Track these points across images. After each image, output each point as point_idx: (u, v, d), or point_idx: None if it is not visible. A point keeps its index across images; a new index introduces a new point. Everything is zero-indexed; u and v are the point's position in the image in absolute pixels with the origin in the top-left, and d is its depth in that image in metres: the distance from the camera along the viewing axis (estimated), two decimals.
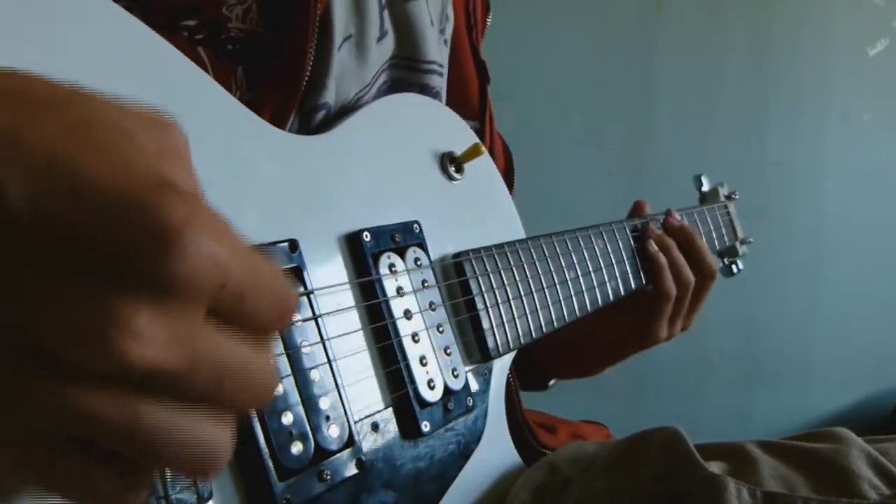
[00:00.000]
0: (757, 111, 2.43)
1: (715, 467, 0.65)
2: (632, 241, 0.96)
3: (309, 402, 0.54)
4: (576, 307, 0.84)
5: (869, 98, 2.59)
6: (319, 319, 0.57)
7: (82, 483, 0.29)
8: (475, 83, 0.93)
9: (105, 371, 0.26)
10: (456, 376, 0.68)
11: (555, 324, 0.80)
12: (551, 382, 1.09)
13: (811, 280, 2.57)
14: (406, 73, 0.78)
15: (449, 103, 0.85)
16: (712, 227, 1.17)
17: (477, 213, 0.78)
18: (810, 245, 2.56)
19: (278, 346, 0.53)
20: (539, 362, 1.07)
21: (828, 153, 2.55)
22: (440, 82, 0.81)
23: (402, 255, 0.66)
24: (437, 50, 0.80)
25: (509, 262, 0.76)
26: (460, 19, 0.91)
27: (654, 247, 0.96)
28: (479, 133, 0.92)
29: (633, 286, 0.94)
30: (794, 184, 2.51)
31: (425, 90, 0.79)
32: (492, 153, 0.95)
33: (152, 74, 0.51)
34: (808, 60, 2.48)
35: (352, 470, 0.56)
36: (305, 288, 0.56)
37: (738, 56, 2.38)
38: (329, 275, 0.60)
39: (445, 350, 0.68)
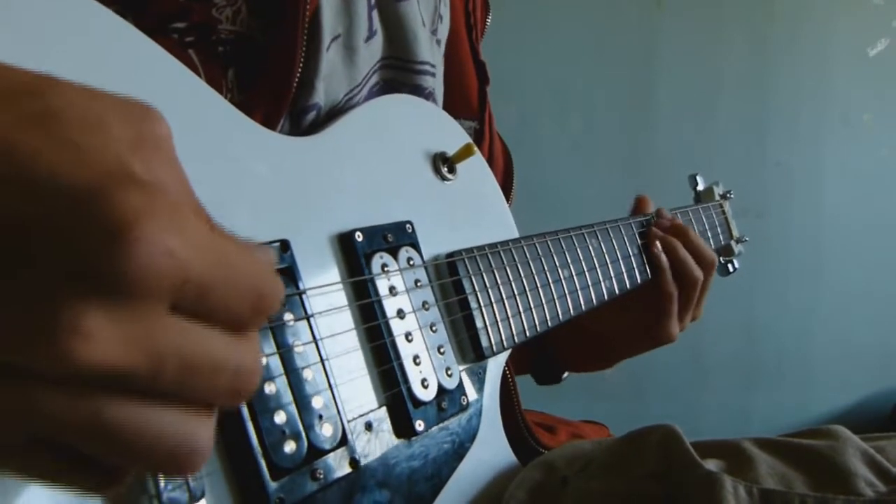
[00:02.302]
0: (757, 111, 2.44)
1: (712, 465, 0.65)
2: (638, 239, 0.98)
3: (302, 401, 0.54)
4: (570, 306, 0.84)
5: (869, 98, 2.59)
6: (312, 319, 0.57)
7: (59, 479, 0.28)
8: (474, 84, 0.93)
9: (57, 374, 0.26)
10: (450, 375, 0.68)
11: (549, 322, 0.80)
12: (565, 375, 1.10)
13: (811, 280, 2.57)
14: (398, 74, 0.78)
15: (448, 103, 0.85)
16: (707, 227, 1.17)
17: (470, 212, 0.78)
18: (810, 245, 2.56)
19: (270, 346, 0.53)
20: (555, 354, 1.09)
21: (828, 153, 2.55)
22: (432, 83, 0.81)
23: (394, 255, 0.66)
24: (429, 51, 0.80)
25: (502, 261, 0.76)
26: (459, 20, 0.91)
27: (657, 248, 0.97)
28: (479, 133, 0.92)
29: (627, 285, 0.95)
30: (794, 184, 2.51)
31: (417, 91, 0.79)
32: (491, 154, 0.95)
33: (143, 77, 0.51)
34: (808, 60, 2.48)
35: (345, 469, 0.56)
36: (297, 288, 0.57)
37: (738, 56, 2.38)
38: (321, 275, 0.61)
39: (439, 349, 0.68)
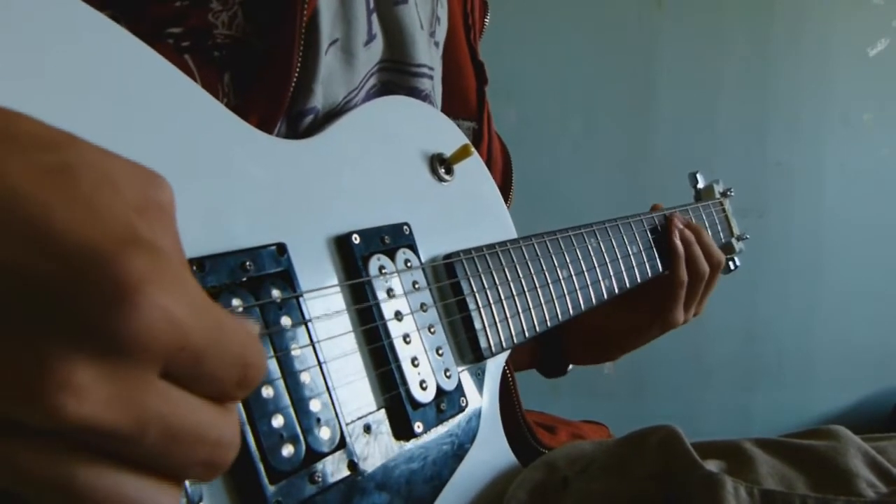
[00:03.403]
0: (757, 111, 2.43)
1: (712, 465, 0.64)
2: (638, 238, 0.99)
3: (299, 404, 0.54)
4: (569, 306, 0.83)
5: (869, 98, 2.59)
6: (309, 322, 0.57)
7: None
8: (473, 84, 0.93)
9: (41, 426, 0.25)
10: (448, 377, 0.68)
11: (548, 323, 0.80)
12: (570, 367, 1.13)
13: (811, 280, 2.57)
14: (395, 77, 0.78)
15: (446, 104, 0.85)
16: (707, 225, 1.17)
17: (467, 213, 0.78)
18: (810, 245, 2.55)
19: (268, 349, 0.53)
20: (563, 348, 1.12)
21: (828, 153, 2.55)
22: (430, 85, 0.81)
23: (392, 257, 0.66)
24: (427, 53, 0.80)
25: (501, 262, 0.76)
26: (458, 20, 0.91)
27: (676, 238, 1.03)
28: (478, 134, 0.92)
29: (627, 284, 0.95)
30: (794, 184, 2.51)
31: (414, 93, 0.79)
32: (490, 154, 0.95)
33: (138, 83, 0.51)
34: (808, 60, 2.48)
35: (344, 472, 0.56)
36: (294, 291, 0.56)
37: (738, 56, 2.38)
38: (318, 277, 0.60)
39: (437, 351, 0.68)
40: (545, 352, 1.13)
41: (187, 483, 0.46)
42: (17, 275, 0.25)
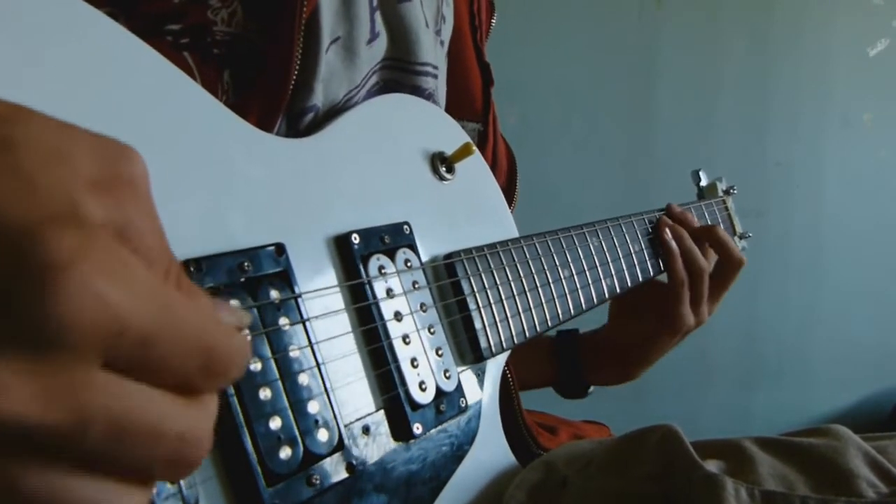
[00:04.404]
0: (757, 111, 2.43)
1: (712, 465, 0.64)
2: (640, 237, 0.99)
3: (297, 405, 0.53)
4: (570, 305, 0.83)
5: (869, 98, 2.59)
6: (308, 323, 0.56)
7: None
8: (478, 85, 0.93)
9: None
10: (448, 377, 0.68)
11: (549, 322, 0.80)
12: (591, 389, 1.11)
13: (811, 280, 2.57)
14: (398, 75, 0.77)
15: (451, 105, 0.85)
16: (710, 223, 1.17)
17: (468, 212, 0.78)
18: (810, 245, 2.55)
19: (265, 350, 0.53)
20: (581, 369, 1.10)
21: (828, 153, 2.55)
22: (433, 84, 0.80)
23: (391, 257, 0.66)
24: (432, 52, 0.79)
25: (501, 261, 0.76)
26: (464, 20, 0.91)
27: (668, 235, 1.01)
28: (483, 136, 0.92)
29: (629, 283, 0.94)
30: (794, 184, 2.51)
31: (416, 92, 0.78)
32: (494, 156, 0.94)
33: (135, 81, 0.51)
34: (808, 60, 2.48)
35: (342, 474, 0.56)
36: (293, 292, 0.56)
37: (738, 56, 2.37)
38: (318, 278, 0.60)
39: (437, 351, 0.67)
40: (564, 373, 1.10)
41: (183, 485, 0.46)
42: None
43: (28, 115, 0.27)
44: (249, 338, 0.51)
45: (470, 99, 0.91)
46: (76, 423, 0.25)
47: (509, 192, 0.91)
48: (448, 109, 0.84)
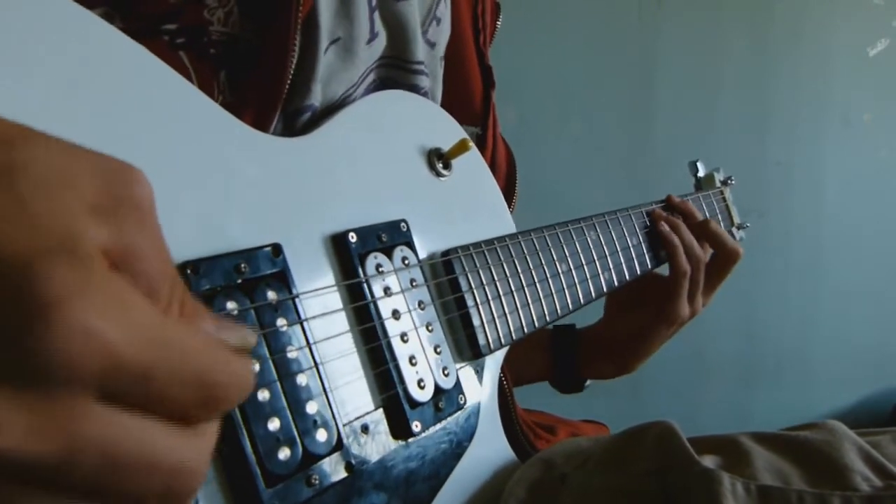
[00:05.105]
0: (757, 111, 2.43)
1: (709, 461, 0.65)
2: (638, 230, 0.99)
3: (296, 406, 0.53)
4: (568, 300, 0.83)
5: (869, 98, 2.59)
6: (305, 323, 0.56)
7: None
8: (479, 88, 0.92)
9: None
10: (447, 375, 0.68)
11: (547, 318, 0.80)
12: (587, 383, 1.12)
13: (811, 280, 2.57)
14: (395, 73, 0.77)
15: (449, 109, 0.85)
16: (708, 214, 1.17)
17: (466, 209, 0.78)
18: (810, 245, 2.56)
19: (263, 351, 0.53)
20: (578, 363, 1.10)
21: (828, 153, 2.55)
22: (427, 83, 0.80)
23: (389, 255, 0.66)
24: (423, 51, 0.79)
25: (499, 257, 0.76)
26: (466, 23, 0.90)
27: (666, 228, 1.00)
28: (482, 139, 0.91)
29: (626, 277, 0.94)
30: (794, 184, 2.51)
31: (413, 90, 0.78)
32: (494, 160, 0.94)
33: (129, 82, 0.51)
34: (808, 60, 2.48)
35: (341, 473, 0.56)
36: (290, 292, 0.56)
37: (738, 56, 2.37)
38: (315, 278, 0.60)
39: (435, 349, 0.67)
40: (561, 367, 1.10)
41: None
42: None
43: (32, 138, 0.27)
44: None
45: (469, 102, 0.90)
46: (66, 455, 0.25)
47: (508, 194, 0.90)
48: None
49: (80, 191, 0.27)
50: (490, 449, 0.74)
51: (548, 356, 1.10)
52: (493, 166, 0.92)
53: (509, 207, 0.86)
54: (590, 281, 0.87)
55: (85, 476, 0.25)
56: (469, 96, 0.91)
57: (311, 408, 0.55)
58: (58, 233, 0.25)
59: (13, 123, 0.27)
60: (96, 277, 0.25)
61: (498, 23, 0.98)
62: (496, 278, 0.75)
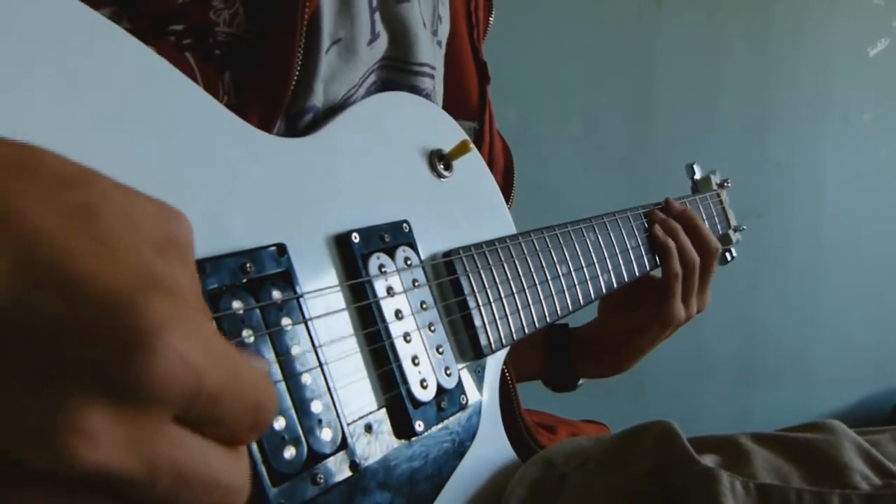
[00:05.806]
0: (757, 111, 2.43)
1: (708, 460, 0.65)
2: (636, 232, 0.99)
3: (301, 406, 0.54)
4: (568, 302, 0.84)
5: (869, 98, 2.59)
6: (309, 323, 0.57)
7: None
8: (475, 84, 0.93)
9: (48, 469, 0.25)
10: (449, 375, 0.68)
11: (547, 319, 0.80)
12: (580, 382, 1.12)
13: (811, 280, 2.57)
14: (395, 75, 0.77)
15: (447, 104, 0.85)
16: (705, 216, 1.17)
17: (467, 210, 0.78)
18: (810, 245, 2.56)
19: (269, 352, 0.53)
20: (571, 362, 1.10)
21: (828, 153, 2.55)
22: (430, 84, 0.80)
23: (391, 255, 0.66)
24: (429, 52, 0.79)
25: (500, 258, 0.76)
26: (460, 19, 0.90)
27: (661, 231, 1.01)
28: (479, 134, 0.92)
29: (626, 279, 0.95)
30: (794, 184, 2.52)
31: (414, 92, 0.78)
32: (491, 154, 0.94)
33: (135, 83, 0.51)
34: (808, 60, 2.48)
35: (345, 472, 0.56)
36: (294, 292, 0.56)
37: (738, 56, 2.38)
38: (318, 277, 0.60)
39: (438, 349, 0.68)
40: (555, 366, 1.11)
41: None
42: (36, 318, 0.25)
43: (98, 179, 0.29)
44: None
45: (466, 98, 0.91)
46: (148, 472, 0.26)
47: (506, 189, 0.91)
48: (444, 109, 0.84)
49: (146, 232, 0.29)
50: (491, 448, 0.74)
51: (541, 354, 1.11)
52: (490, 161, 0.93)
53: (507, 202, 0.86)
54: (589, 283, 0.88)
55: (160, 494, 0.27)
56: (466, 92, 0.91)
57: (316, 407, 0.55)
58: (143, 268, 0.27)
59: (73, 163, 0.29)
60: (184, 309, 0.27)
61: (491, 19, 0.99)
62: (497, 279, 0.75)
